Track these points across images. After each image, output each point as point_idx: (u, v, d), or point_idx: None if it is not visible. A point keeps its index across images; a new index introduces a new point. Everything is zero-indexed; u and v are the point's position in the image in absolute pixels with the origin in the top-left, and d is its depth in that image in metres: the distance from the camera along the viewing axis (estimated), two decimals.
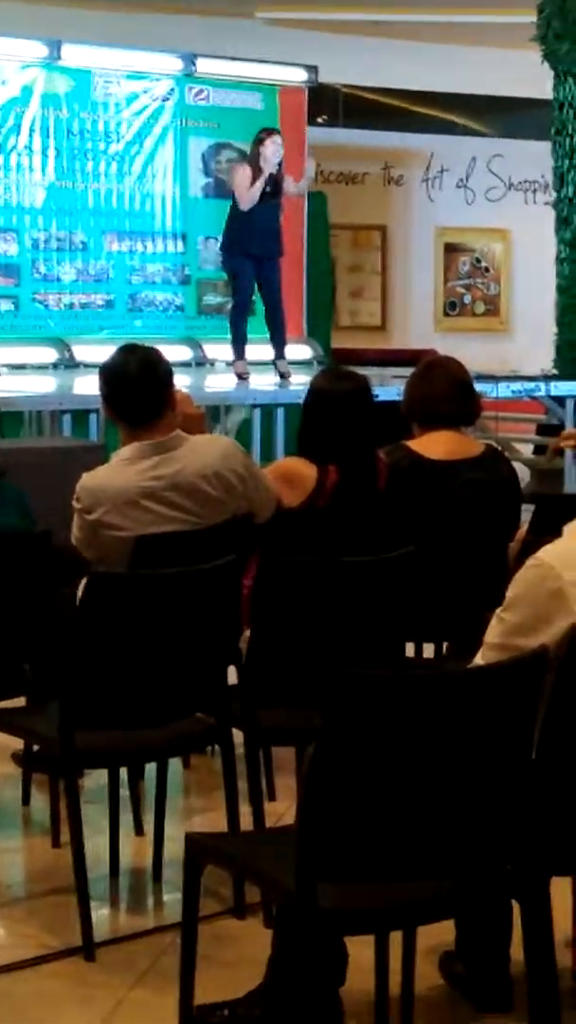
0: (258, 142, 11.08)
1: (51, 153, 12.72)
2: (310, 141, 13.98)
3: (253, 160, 11.02)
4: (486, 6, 14.60)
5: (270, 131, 11.24)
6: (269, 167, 10.88)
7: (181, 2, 14.33)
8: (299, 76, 13.90)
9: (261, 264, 11.00)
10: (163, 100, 13.28)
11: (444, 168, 17.24)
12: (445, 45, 15.99)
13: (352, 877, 2.82)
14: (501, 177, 17.41)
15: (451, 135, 17.26)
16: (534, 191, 17.08)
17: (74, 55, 12.70)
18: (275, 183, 10.93)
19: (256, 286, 11.11)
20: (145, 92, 13.21)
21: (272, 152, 10.90)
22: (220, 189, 13.13)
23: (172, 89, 13.31)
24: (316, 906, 2.76)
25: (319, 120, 15.64)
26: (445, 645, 5.07)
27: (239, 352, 11.30)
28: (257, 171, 10.88)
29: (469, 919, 3.49)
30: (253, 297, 11.24)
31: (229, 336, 11.37)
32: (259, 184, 10.82)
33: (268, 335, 11.29)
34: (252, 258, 10.98)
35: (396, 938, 3.33)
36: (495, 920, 3.44)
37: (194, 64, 13.27)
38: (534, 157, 14.86)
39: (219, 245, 11.85)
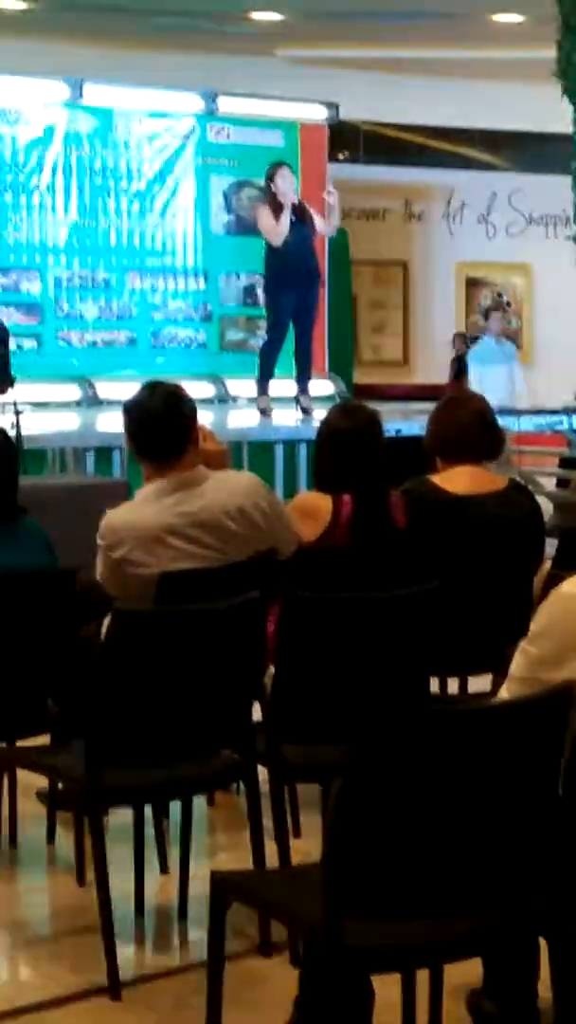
0: (268, 178, 11.14)
1: (73, 192, 12.81)
2: (331, 177, 14.03)
3: (271, 198, 11.06)
4: (505, 42, 14.67)
5: (277, 165, 11.28)
6: (288, 199, 10.92)
7: (202, 40, 14.42)
8: (320, 113, 13.98)
9: (304, 293, 11.04)
10: (184, 138, 13.36)
11: (465, 203, 17.30)
12: (465, 81, 16.07)
13: (379, 914, 2.81)
14: (522, 212, 17.45)
15: (471, 170, 17.33)
16: (555, 225, 17.09)
17: (96, 94, 12.80)
18: (299, 211, 10.96)
19: (292, 319, 11.13)
20: (167, 131, 13.29)
21: (284, 185, 10.94)
22: (241, 226, 13.19)
23: (193, 127, 13.39)
24: (342, 943, 2.74)
25: (340, 157, 15.71)
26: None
27: (263, 387, 11.31)
28: (277, 206, 10.92)
29: (497, 957, 3.46)
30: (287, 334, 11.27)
31: (256, 369, 11.38)
32: (285, 217, 10.85)
33: (292, 371, 11.30)
34: (294, 288, 11.00)
35: (423, 976, 3.31)
36: (523, 958, 3.41)
37: (215, 102, 13.35)
38: (554, 191, 14.86)
39: (263, 288, 11.88)
